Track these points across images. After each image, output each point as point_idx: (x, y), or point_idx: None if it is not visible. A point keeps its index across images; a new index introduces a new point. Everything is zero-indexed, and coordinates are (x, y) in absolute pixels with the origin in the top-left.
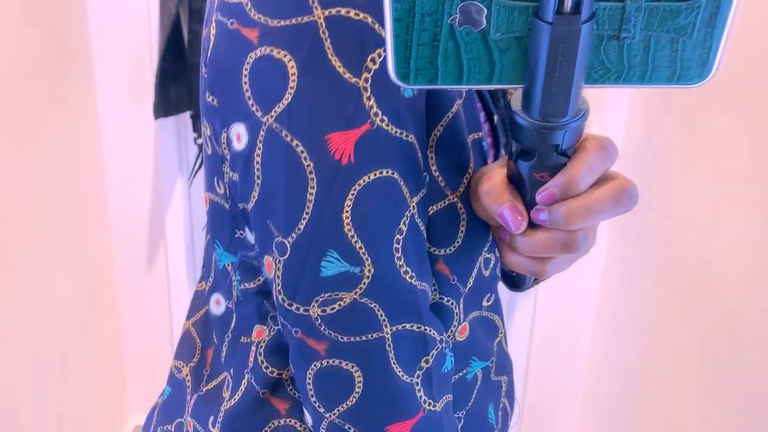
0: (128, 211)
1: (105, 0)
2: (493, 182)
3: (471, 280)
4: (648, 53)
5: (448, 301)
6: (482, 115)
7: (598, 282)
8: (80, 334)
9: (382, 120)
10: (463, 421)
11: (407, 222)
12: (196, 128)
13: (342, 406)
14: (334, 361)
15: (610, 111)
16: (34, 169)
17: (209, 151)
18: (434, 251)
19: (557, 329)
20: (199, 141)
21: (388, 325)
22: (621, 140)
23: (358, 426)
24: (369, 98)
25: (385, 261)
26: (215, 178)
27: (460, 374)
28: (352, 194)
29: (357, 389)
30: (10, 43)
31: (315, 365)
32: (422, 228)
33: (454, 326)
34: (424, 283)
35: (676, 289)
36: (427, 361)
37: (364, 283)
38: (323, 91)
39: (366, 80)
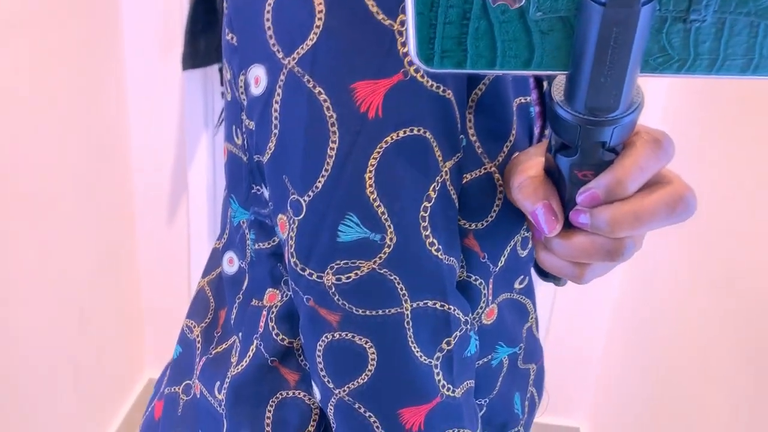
0: (151, 163)
1: None
2: (527, 175)
3: (503, 259)
4: (720, 39)
5: (476, 279)
6: (531, 81)
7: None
8: (99, 286)
9: (417, 70)
10: (485, 409)
11: (437, 188)
12: (224, 81)
13: (353, 384)
14: (346, 335)
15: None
16: (59, 116)
17: (229, 97)
18: (465, 224)
19: (573, 318)
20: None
21: (408, 301)
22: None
23: (369, 406)
24: (404, 44)
25: (410, 230)
26: (234, 127)
27: (485, 360)
28: (378, 152)
29: (370, 367)
30: None
31: (326, 337)
32: (454, 197)
33: (481, 307)
34: (451, 258)
35: (705, 277)
36: (448, 343)
37: (385, 253)
38: (353, 32)
39: (402, 23)
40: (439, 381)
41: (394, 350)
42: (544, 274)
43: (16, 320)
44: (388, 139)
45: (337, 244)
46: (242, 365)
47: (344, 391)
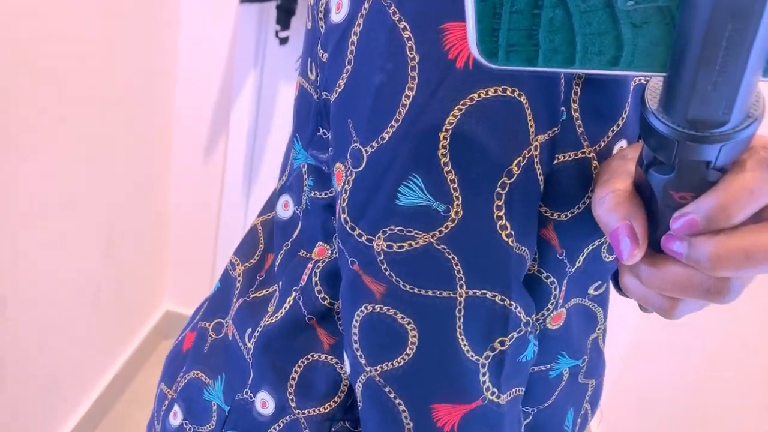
0: (195, 94)
1: None
2: (612, 188)
3: (581, 259)
4: None
5: (547, 277)
6: None
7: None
8: (130, 211)
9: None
10: (531, 418)
11: (522, 164)
12: (280, 20)
13: (387, 365)
14: (389, 310)
15: None
16: (108, 35)
17: (309, 25)
18: (545, 212)
19: None
20: (282, 34)
21: (465, 287)
22: None
23: (401, 393)
24: None
25: (481, 206)
26: (309, 60)
27: (542, 368)
28: (459, 109)
29: (408, 350)
30: None
31: (366, 308)
32: (541, 178)
33: (548, 309)
34: (524, 248)
35: None
36: (502, 343)
37: (447, 227)
38: None
39: None
40: (484, 383)
41: (439, 338)
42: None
43: (46, 233)
44: (475, 95)
45: (394, 207)
46: (277, 316)
47: (377, 370)
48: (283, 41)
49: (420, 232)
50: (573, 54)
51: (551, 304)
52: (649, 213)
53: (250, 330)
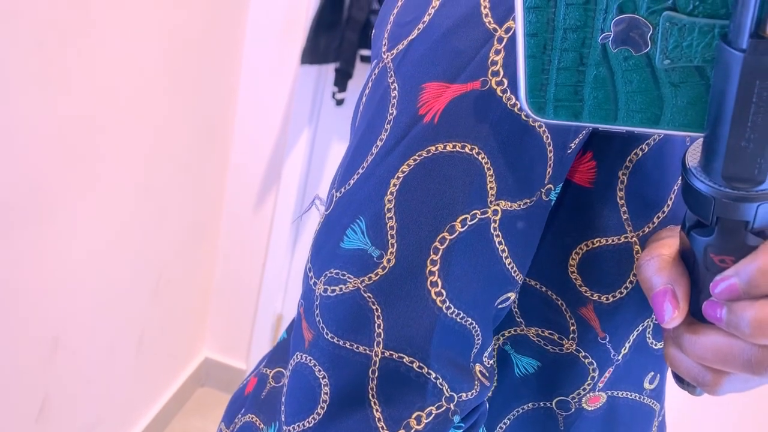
0: (250, 147)
1: None
2: (658, 253)
3: (627, 347)
4: None
5: (585, 357)
6: None
7: None
8: (178, 259)
9: (500, 83)
10: None
11: (470, 223)
12: (337, 81)
13: (299, 425)
14: (310, 360)
15: None
16: (171, 87)
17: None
18: (586, 292)
19: None
20: (338, 95)
21: (382, 345)
22: None
23: None
24: (498, 52)
25: (412, 257)
26: None
27: None
28: (415, 159)
29: (320, 410)
30: None
31: (297, 356)
32: (500, 248)
33: (584, 389)
34: (465, 317)
35: None
36: (419, 420)
37: (377, 274)
38: (451, 30)
39: (508, 30)
40: None
41: (350, 400)
42: (680, 379)
43: (98, 277)
44: (432, 148)
45: (338, 249)
46: None
47: (291, 430)
48: (339, 102)
49: (352, 277)
50: (616, 111)
51: (588, 385)
52: (693, 280)
53: None
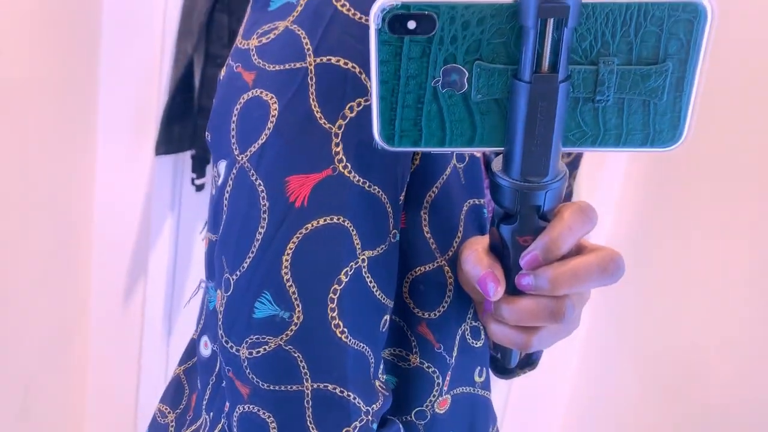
0: (113, 245)
1: (119, 35)
2: (473, 249)
3: (455, 349)
4: (622, 116)
5: (428, 367)
6: (486, 184)
7: (575, 368)
8: (46, 366)
9: (345, 167)
10: None
11: (350, 273)
12: (195, 168)
13: None
14: (252, 408)
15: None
16: (26, 187)
17: (213, 191)
18: (418, 313)
19: (527, 423)
20: (198, 181)
21: (309, 380)
22: (608, 230)
23: None
24: (338, 144)
25: (316, 309)
26: (214, 218)
27: None
28: (297, 237)
29: None
30: (22, 57)
31: (239, 408)
32: (372, 285)
33: (434, 396)
34: (362, 344)
35: (655, 384)
36: None
37: (291, 330)
38: (295, 133)
39: (340, 127)
40: None
41: (294, 429)
42: (498, 369)
43: None
44: (309, 225)
45: (252, 320)
46: None
47: None
48: (199, 188)
49: (271, 337)
50: (444, 136)
51: (436, 391)
52: (505, 265)
53: None
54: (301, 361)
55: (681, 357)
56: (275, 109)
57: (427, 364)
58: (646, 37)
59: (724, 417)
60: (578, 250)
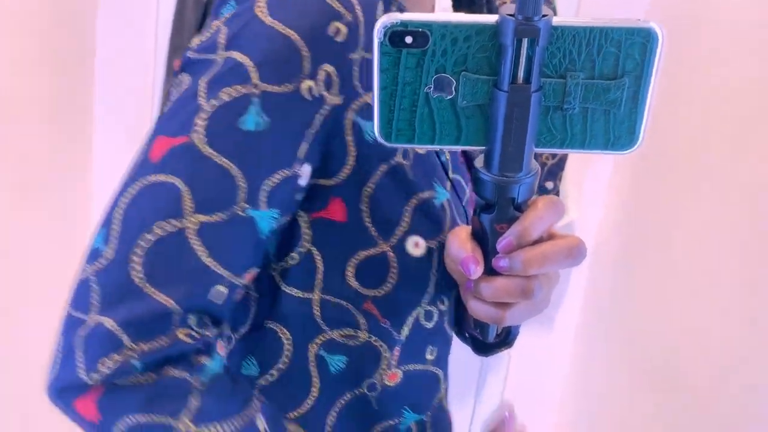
0: None
1: (114, 41)
2: (457, 235)
3: (406, 329)
4: (586, 123)
5: (376, 341)
6: (448, 184)
7: (567, 365)
8: (46, 371)
9: (201, 138)
10: None
11: (168, 230)
12: None
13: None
14: (60, 329)
15: (587, 200)
16: (22, 192)
17: None
18: (361, 290)
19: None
20: None
21: (96, 313)
22: (594, 230)
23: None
24: (204, 119)
25: (123, 250)
26: None
27: (392, 422)
28: (136, 187)
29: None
30: (16, 63)
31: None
32: (197, 248)
33: (382, 369)
34: (165, 297)
35: (645, 379)
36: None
37: (101, 263)
38: (180, 104)
39: (213, 106)
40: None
41: (67, 357)
42: (478, 347)
43: None
44: (151, 178)
45: (89, 250)
46: None
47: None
48: None
49: (87, 266)
50: (434, 136)
51: (384, 364)
52: (484, 250)
53: None
54: (95, 293)
55: (671, 354)
56: (185, 87)
57: (374, 338)
58: (606, 56)
59: (711, 412)
60: (549, 237)
